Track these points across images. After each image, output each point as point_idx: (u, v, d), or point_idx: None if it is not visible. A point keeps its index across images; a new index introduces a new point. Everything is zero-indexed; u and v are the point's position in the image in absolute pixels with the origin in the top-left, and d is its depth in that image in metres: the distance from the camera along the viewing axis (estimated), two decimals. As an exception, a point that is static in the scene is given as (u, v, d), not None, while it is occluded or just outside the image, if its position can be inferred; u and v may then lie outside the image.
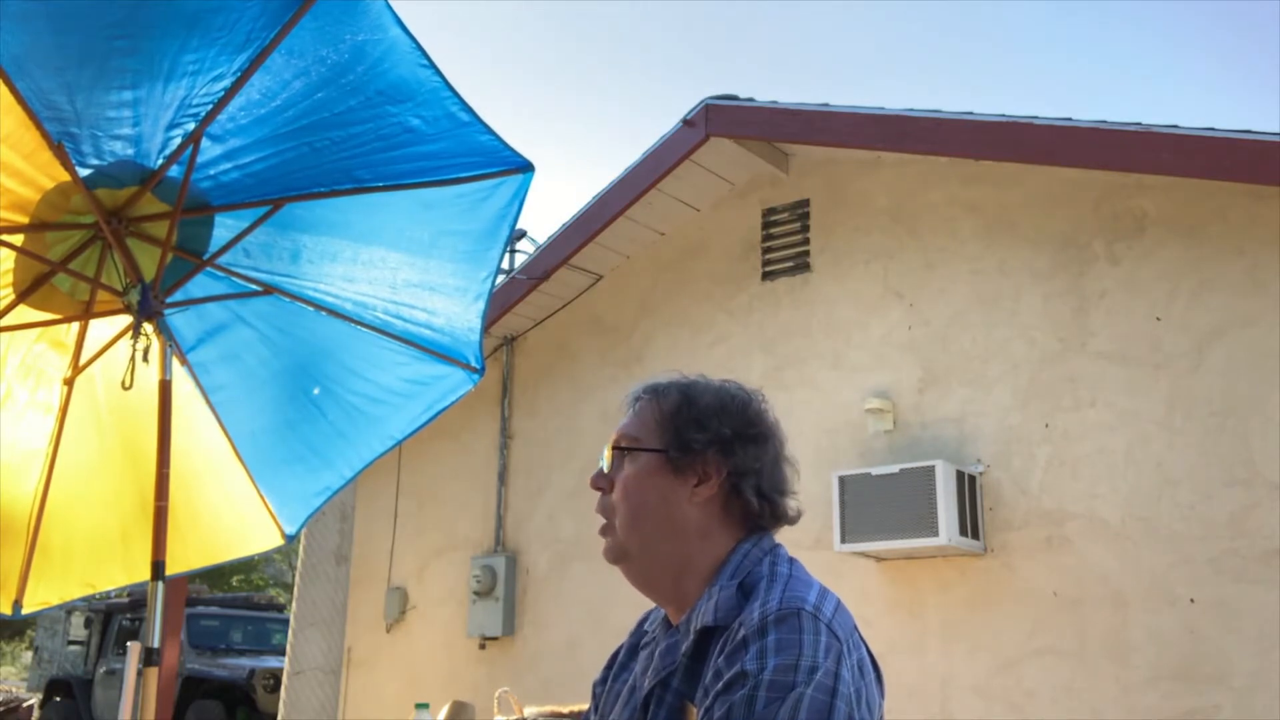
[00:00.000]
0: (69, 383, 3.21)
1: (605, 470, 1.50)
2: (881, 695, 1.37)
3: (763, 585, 1.35)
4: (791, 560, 1.43)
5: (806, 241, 6.55)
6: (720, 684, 1.25)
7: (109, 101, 2.49)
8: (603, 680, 1.59)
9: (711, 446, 1.44)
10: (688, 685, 1.34)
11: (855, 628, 1.35)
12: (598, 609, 6.75)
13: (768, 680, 1.21)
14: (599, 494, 1.51)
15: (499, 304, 7.27)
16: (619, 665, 1.58)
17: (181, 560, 3.39)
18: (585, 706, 3.85)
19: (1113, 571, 5.13)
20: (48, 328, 3.12)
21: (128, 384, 2.86)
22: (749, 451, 1.45)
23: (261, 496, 3.44)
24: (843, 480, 5.57)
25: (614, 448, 1.50)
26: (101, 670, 13.70)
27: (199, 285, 3.13)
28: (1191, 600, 4.90)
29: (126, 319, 2.97)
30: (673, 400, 1.49)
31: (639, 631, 1.58)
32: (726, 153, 6.65)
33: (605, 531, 1.50)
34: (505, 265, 7.61)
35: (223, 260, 3.06)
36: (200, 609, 13.41)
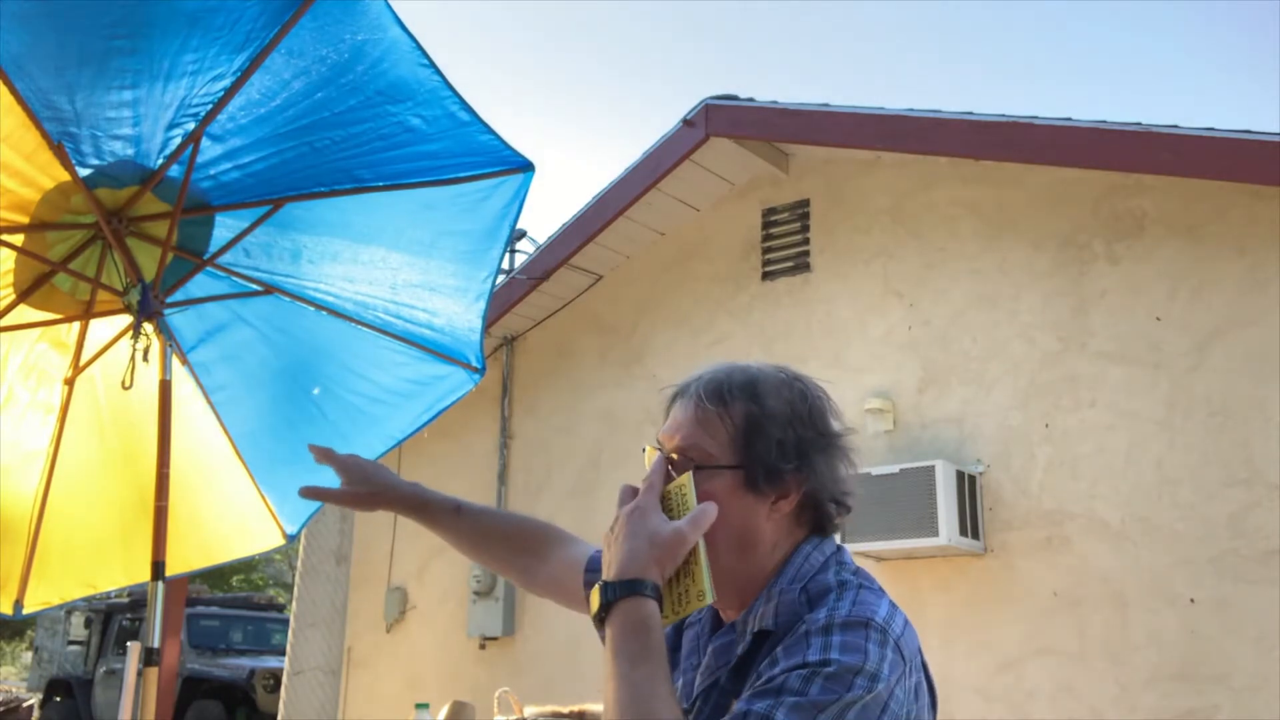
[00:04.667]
0: (69, 382, 3.21)
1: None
2: (934, 717, 1.34)
3: (831, 595, 1.31)
4: (857, 569, 1.38)
5: (806, 241, 6.55)
6: (776, 669, 1.21)
7: (109, 101, 2.49)
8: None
9: (797, 469, 1.37)
10: (735, 683, 1.31)
11: (920, 649, 1.31)
12: (598, 609, 6.74)
13: (830, 672, 1.18)
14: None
15: (499, 304, 7.27)
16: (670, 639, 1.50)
17: (182, 560, 3.38)
18: (585, 706, 3.84)
19: (1113, 571, 5.13)
20: (49, 328, 3.12)
21: (128, 384, 2.86)
22: (823, 462, 1.39)
23: (262, 496, 3.44)
24: (843, 480, 5.56)
25: (696, 467, 1.37)
26: (101, 670, 13.70)
27: (199, 285, 3.13)
28: (1191, 600, 4.90)
29: (127, 319, 2.97)
30: (742, 413, 1.38)
31: None
32: (726, 153, 6.65)
33: None
34: (505, 265, 7.61)
35: (223, 260, 3.06)
36: (200, 609, 13.42)
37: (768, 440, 1.37)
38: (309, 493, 1.90)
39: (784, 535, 1.39)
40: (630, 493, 1.40)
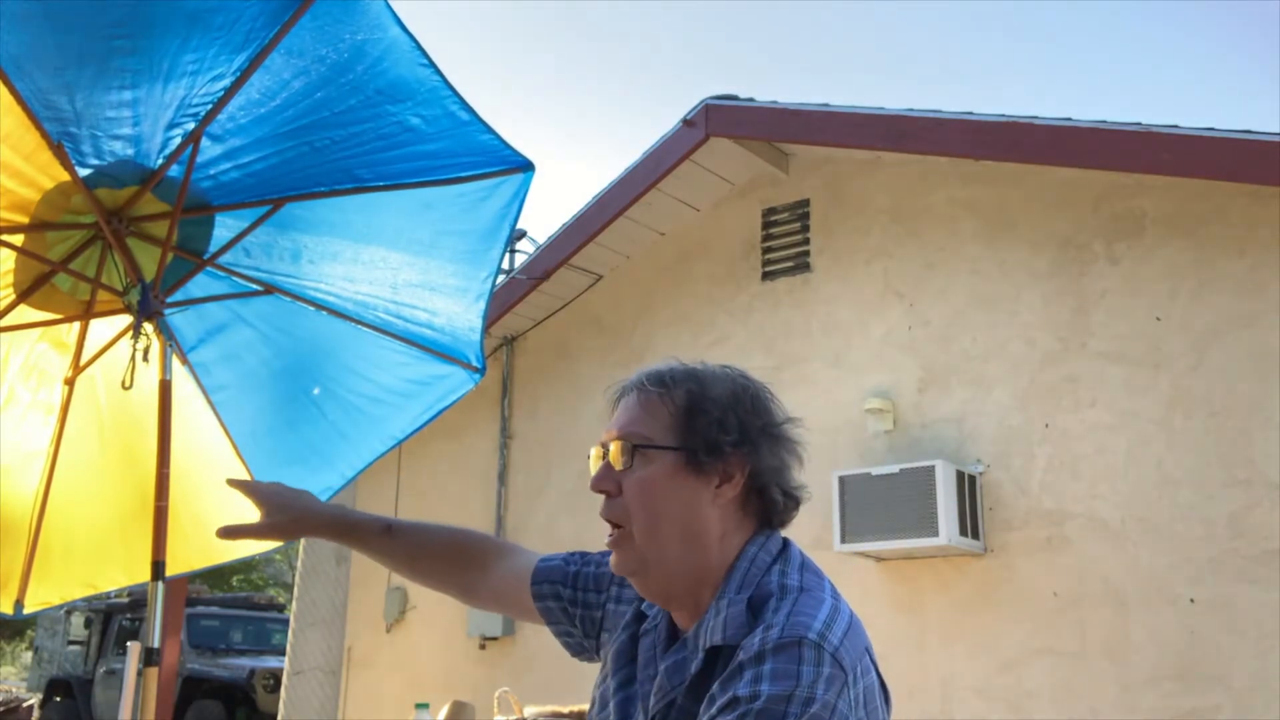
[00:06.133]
0: (69, 382, 3.21)
1: (616, 469, 1.37)
2: (888, 715, 1.32)
3: (771, 604, 1.27)
4: (802, 565, 1.35)
5: (806, 241, 6.55)
6: (713, 708, 1.19)
7: (109, 101, 2.49)
8: (614, 663, 1.47)
9: (737, 446, 1.35)
10: (692, 702, 1.28)
11: (866, 649, 1.27)
12: (598, 609, 6.73)
13: (759, 709, 1.15)
14: (604, 498, 1.38)
15: (499, 304, 7.27)
16: (624, 630, 1.47)
17: (182, 560, 3.38)
18: (585, 707, 3.87)
19: (1113, 571, 5.13)
20: (49, 328, 3.12)
21: (128, 384, 2.86)
22: (767, 447, 1.37)
23: (262, 496, 3.44)
24: (843, 480, 5.56)
25: (633, 446, 1.36)
26: (101, 670, 13.70)
27: (199, 285, 3.13)
28: (1191, 600, 4.90)
29: (127, 319, 2.97)
30: (684, 393, 1.37)
31: (639, 615, 1.47)
32: (726, 153, 6.65)
33: (617, 544, 1.37)
34: (505, 265, 7.61)
35: (223, 260, 3.06)
36: (200, 609, 13.42)
37: (708, 419, 1.35)
38: (225, 533, 1.82)
39: (732, 526, 1.36)
40: None
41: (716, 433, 1.35)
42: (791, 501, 1.39)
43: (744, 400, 1.38)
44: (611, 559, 1.40)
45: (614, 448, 1.38)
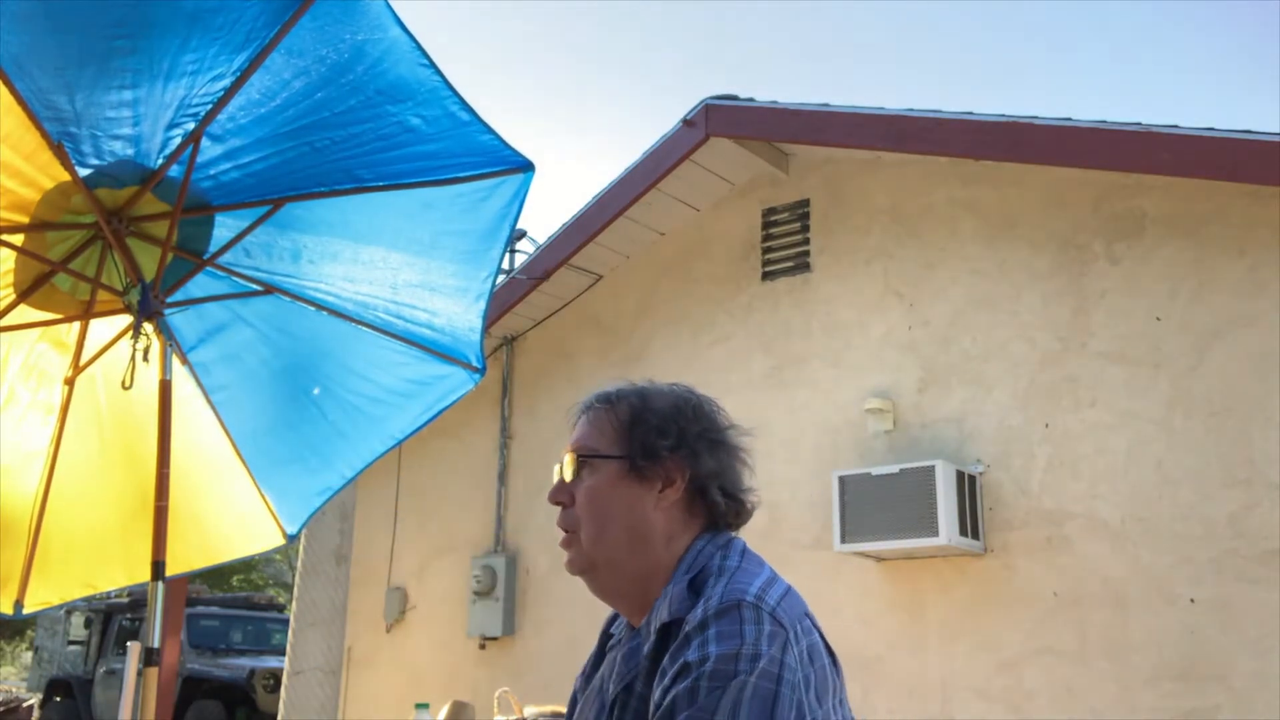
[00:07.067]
0: (70, 382, 3.21)
1: (566, 481, 1.50)
2: (839, 678, 1.37)
3: (710, 581, 1.36)
4: (744, 552, 1.43)
5: (806, 241, 6.55)
6: (666, 680, 1.26)
7: (109, 101, 2.49)
8: (581, 690, 1.60)
9: (675, 451, 1.44)
10: (649, 687, 1.34)
11: (805, 613, 1.34)
12: (598, 609, 6.68)
13: (709, 670, 1.22)
14: (559, 509, 1.50)
15: (499, 304, 7.27)
16: (590, 670, 1.59)
17: (182, 560, 3.39)
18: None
19: (1113, 571, 5.14)
20: (49, 328, 3.12)
21: (128, 384, 2.86)
22: (710, 453, 1.46)
23: (262, 496, 3.44)
24: (843, 480, 5.56)
25: (576, 458, 1.48)
26: (101, 670, 13.69)
27: (199, 285, 3.13)
28: (1191, 600, 4.90)
29: (127, 319, 2.97)
30: (628, 407, 1.49)
31: (605, 635, 1.60)
32: (726, 153, 6.65)
33: (568, 544, 1.49)
34: (505, 265, 7.61)
35: (223, 260, 3.06)
36: (200, 609, 13.41)
37: (647, 428, 1.46)
38: None
39: (678, 528, 1.45)
40: None
41: (655, 439, 1.45)
42: (735, 504, 1.47)
43: (685, 411, 1.48)
44: (565, 559, 1.51)
45: (566, 461, 1.50)
